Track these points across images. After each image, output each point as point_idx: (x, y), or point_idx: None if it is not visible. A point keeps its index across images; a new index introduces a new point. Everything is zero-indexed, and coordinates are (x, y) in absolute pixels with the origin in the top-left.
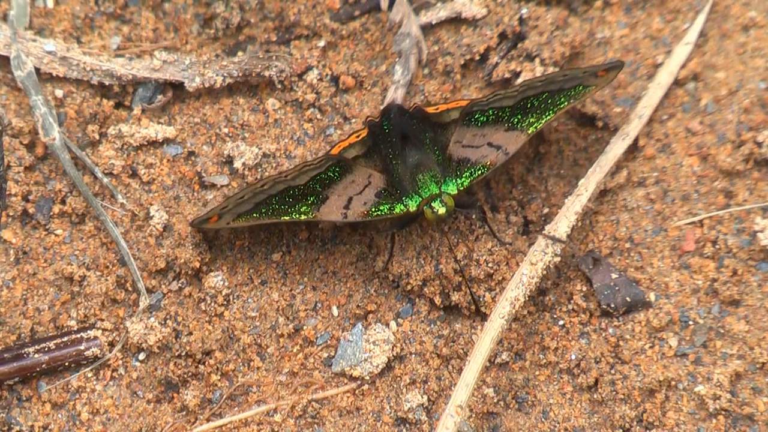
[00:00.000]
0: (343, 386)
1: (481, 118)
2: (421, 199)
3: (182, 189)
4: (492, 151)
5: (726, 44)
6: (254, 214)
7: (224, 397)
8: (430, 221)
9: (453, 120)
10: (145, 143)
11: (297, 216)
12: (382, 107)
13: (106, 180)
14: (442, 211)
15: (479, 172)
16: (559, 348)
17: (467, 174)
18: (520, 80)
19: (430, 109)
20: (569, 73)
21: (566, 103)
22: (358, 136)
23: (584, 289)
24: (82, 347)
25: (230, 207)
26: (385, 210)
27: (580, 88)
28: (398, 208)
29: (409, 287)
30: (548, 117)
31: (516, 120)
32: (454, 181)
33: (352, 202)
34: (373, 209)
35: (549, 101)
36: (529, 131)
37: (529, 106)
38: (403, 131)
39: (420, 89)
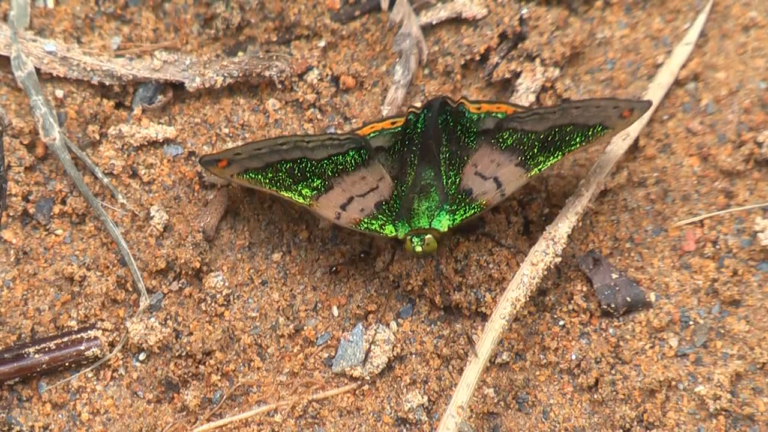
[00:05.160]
0: (344, 386)
1: (509, 140)
2: (410, 228)
3: (182, 189)
4: (492, 189)
5: (726, 44)
6: (260, 176)
7: (224, 397)
8: (407, 252)
9: (486, 130)
10: (146, 143)
11: (296, 197)
12: (427, 99)
13: (106, 180)
14: (419, 249)
15: (473, 210)
16: (559, 348)
17: (462, 212)
18: (520, 80)
19: (473, 108)
20: (603, 104)
21: (578, 146)
22: (393, 123)
23: (584, 289)
24: (82, 347)
25: (244, 155)
26: (376, 227)
27: (599, 128)
28: (388, 230)
29: (409, 287)
30: (555, 160)
31: (529, 155)
32: (447, 215)
33: (351, 203)
34: (365, 220)
35: (566, 138)
36: (532, 172)
37: (550, 138)
38: (435, 138)
39: (420, 89)
